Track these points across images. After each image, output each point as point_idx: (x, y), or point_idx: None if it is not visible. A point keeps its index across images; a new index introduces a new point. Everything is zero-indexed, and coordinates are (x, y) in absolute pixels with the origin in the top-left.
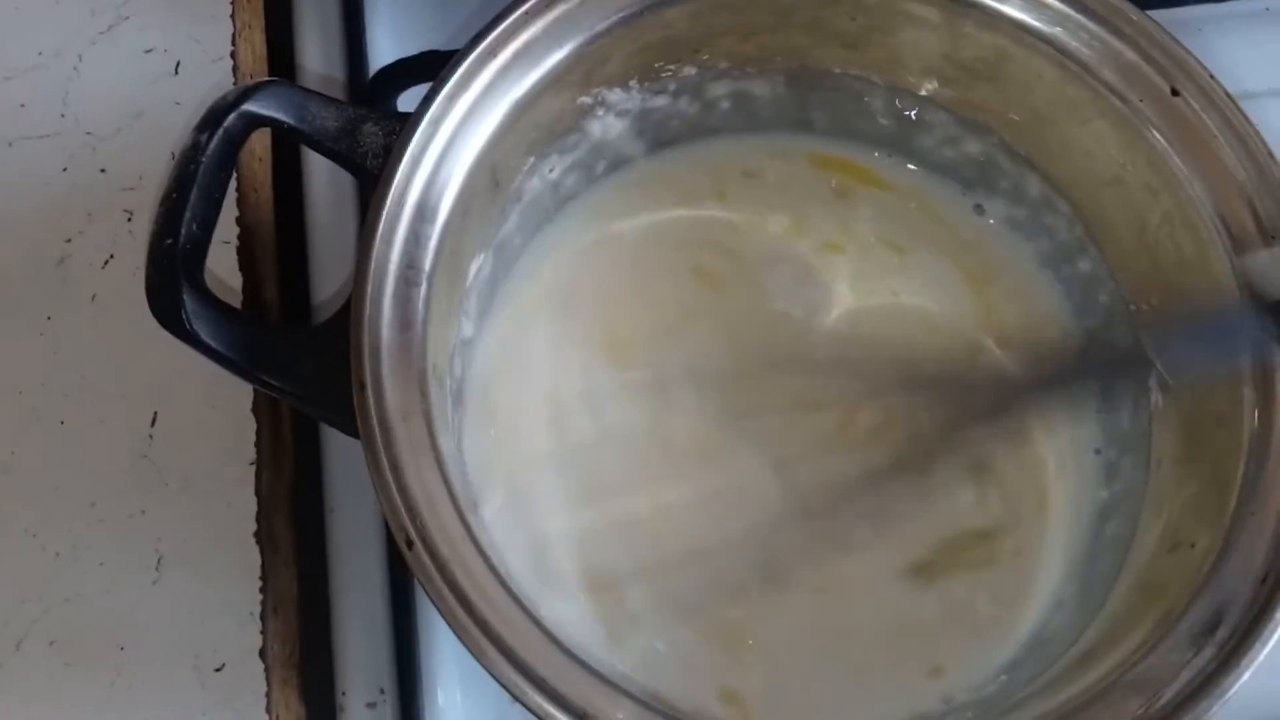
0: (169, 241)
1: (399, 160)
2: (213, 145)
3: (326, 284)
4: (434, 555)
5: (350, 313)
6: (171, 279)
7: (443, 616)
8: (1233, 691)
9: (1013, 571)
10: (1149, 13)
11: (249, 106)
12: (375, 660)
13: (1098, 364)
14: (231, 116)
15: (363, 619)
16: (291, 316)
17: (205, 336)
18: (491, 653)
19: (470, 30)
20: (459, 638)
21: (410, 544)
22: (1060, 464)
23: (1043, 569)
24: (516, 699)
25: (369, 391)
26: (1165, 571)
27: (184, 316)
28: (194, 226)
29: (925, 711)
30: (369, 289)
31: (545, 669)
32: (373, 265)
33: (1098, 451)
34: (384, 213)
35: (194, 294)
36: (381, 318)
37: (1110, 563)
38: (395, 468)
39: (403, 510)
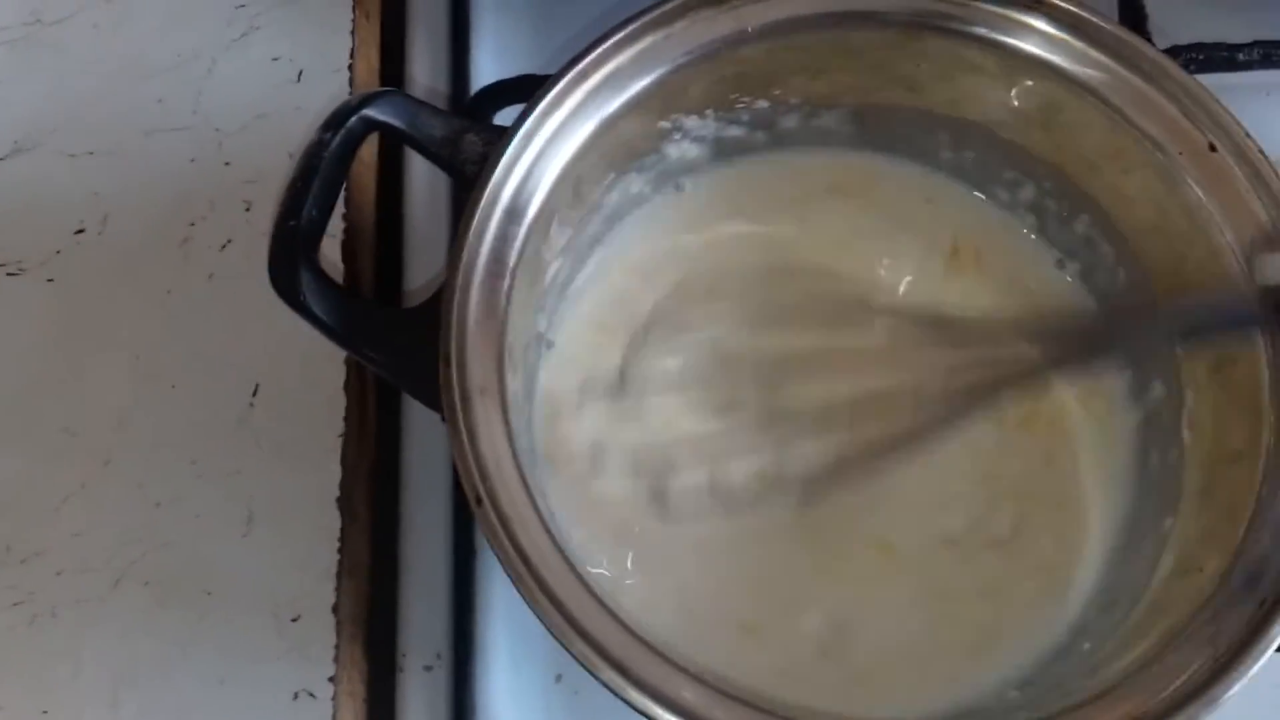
0: (291, 223)
1: (494, 167)
2: (335, 142)
3: (418, 277)
4: (499, 513)
5: (442, 297)
6: (291, 256)
7: (503, 567)
8: (1223, 700)
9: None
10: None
11: (368, 111)
12: (435, 627)
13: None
14: (353, 119)
15: (427, 589)
16: (385, 303)
17: (315, 308)
18: (544, 602)
19: (564, 57)
20: (516, 587)
21: (479, 501)
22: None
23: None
24: (563, 645)
25: (453, 366)
26: (1175, 593)
27: (299, 289)
28: (314, 212)
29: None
30: (460, 277)
31: (589, 622)
32: (464, 256)
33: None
34: (478, 212)
35: (309, 270)
36: (469, 303)
37: (1135, 586)
38: (471, 434)
39: (475, 472)
